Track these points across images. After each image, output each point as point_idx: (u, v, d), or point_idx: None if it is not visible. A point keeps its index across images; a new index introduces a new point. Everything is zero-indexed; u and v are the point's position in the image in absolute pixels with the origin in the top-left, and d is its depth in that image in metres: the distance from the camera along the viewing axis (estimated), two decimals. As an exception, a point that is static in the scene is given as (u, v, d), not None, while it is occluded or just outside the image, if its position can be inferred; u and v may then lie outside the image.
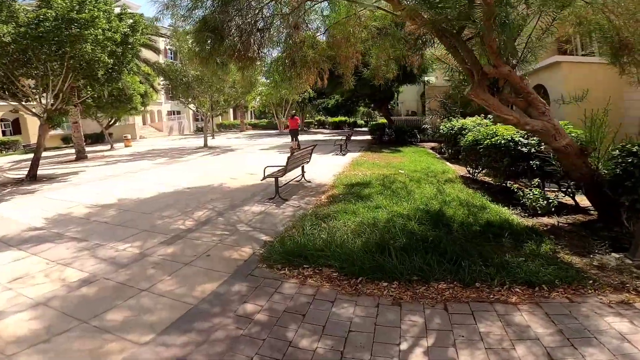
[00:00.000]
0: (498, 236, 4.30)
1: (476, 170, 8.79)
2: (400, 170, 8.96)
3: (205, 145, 18.46)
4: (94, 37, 8.57)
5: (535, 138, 6.13)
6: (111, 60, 10.06)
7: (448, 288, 3.15)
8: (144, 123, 42.67)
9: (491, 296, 3.00)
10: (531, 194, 5.73)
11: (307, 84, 7.92)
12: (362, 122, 46.26)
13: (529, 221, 5.29)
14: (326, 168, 9.87)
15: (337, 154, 13.02)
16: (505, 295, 3.00)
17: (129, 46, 11.01)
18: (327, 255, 3.67)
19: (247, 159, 13.03)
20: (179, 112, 45.49)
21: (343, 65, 7.53)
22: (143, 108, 29.70)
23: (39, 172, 11.23)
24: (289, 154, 6.54)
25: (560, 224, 5.27)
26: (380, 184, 7.21)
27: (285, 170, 6.13)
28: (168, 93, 18.69)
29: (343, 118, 38.47)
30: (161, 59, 20.09)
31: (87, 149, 24.11)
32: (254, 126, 42.57)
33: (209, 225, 5.02)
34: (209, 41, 6.00)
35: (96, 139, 30.22)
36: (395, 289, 3.13)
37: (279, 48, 7.55)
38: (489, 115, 12.02)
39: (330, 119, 38.46)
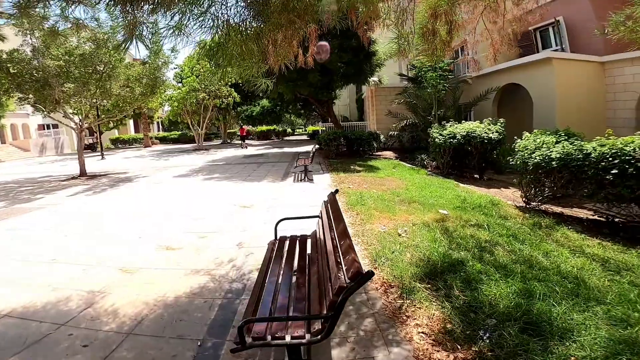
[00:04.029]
0: None
1: (539, 197, 5.81)
2: (441, 211, 5.40)
3: (83, 173, 12.15)
4: None
5: None
6: None
7: None
8: (3, 142, 31.94)
9: None
10: None
11: (287, 56, 3.83)
12: (290, 130, 42.75)
13: None
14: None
15: (300, 181, 8.93)
16: None
17: None
18: None
19: (156, 200, 7.68)
20: (55, 126, 35.06)
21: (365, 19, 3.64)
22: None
23: None
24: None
25: None
26: (474, 256, 3.49)
27: (331, 324, 1.74)
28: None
29: (271, 127, 34.22)
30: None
31: None
32: (163, 140, 35.22)
33: None
34: None
35: None
36: None
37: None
38: (499, 120, 9.45)
39: (257, 129, 33.81)
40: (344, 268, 1.61)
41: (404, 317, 2.59)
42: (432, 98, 12.11)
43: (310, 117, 40.43)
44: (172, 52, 12.66)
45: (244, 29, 3.24)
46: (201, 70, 20.12)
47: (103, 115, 14.19)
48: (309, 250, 3.00)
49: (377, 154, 15.69)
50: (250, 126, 37.92)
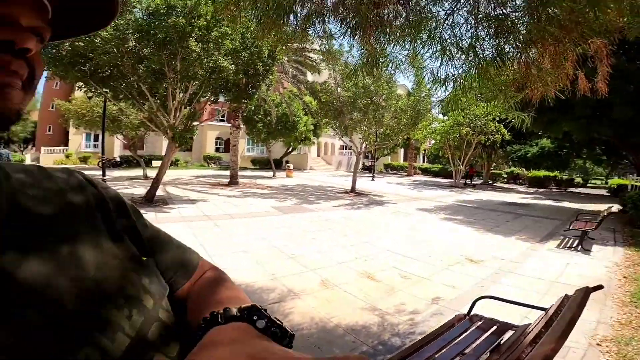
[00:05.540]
0: None
1: None
2: None
3: (352, 189, 14.84)
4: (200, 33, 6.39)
5: None
6: (240, 74, 7.92)
7: None
8: (318, 154, 44.81)
9: None
10: None
11: (556, 82, 2.82)
12: (581, 180, 33.12)
13: None
14: None
15: (569, 248, 6.53)
16: None
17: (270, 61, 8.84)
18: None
19: (390, 227, 7.97)
20: (351, 148, 45.52)
21: None
22: (315, 139, 30.03)
23: (163, 193, 10.65)
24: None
25: None
26: None
27: None
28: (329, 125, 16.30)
29: (550, 173, 27.88)
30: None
31: (257, 173, 25.49)
32: (425, 171, 37.18)
33: None
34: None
35: (277, 165, 31.78)
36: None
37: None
38: None
39: (529, 173, 28.62)
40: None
41: None
42: None
43: (618, 166, 29.56)
44: (432, 84, 13.01)
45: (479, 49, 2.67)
46: (465, 103, 19.53)
47: (377, 142, 16.68)
48: (503, 340, 2.01)
49: None
50: (523, 169, 32.67)
